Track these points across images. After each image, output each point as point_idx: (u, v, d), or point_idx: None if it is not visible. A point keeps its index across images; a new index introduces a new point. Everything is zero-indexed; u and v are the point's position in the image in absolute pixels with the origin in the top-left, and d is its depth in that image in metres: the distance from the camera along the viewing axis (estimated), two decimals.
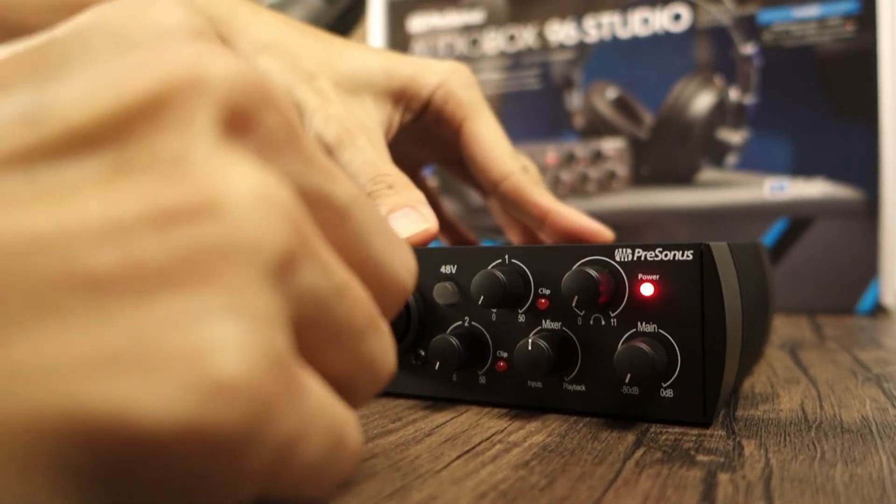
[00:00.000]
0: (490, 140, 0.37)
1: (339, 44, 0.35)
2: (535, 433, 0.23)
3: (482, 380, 0.27)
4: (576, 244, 0.26)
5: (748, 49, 0.67)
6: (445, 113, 0.36)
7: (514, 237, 0.44)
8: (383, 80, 0.35)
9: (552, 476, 0.19)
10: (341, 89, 0.33)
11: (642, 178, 0.71)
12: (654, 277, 0.24)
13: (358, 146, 0.32)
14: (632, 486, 0.18)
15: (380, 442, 0.22)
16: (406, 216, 0.31)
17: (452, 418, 0.25)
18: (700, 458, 0.20)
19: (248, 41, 0.32)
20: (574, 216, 0.37)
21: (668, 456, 0.21)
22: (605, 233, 0.38)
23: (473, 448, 0.22)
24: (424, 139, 0.40)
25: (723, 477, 0.19)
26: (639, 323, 0.24)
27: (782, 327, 0.53)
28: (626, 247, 0.24)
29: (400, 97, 0.35)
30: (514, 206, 0.37)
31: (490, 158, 0.36)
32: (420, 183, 0.44)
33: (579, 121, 0.73)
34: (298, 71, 0.32)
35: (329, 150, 0.32)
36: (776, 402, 0.27)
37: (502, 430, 0.24)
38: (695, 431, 0.23)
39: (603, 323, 0.25)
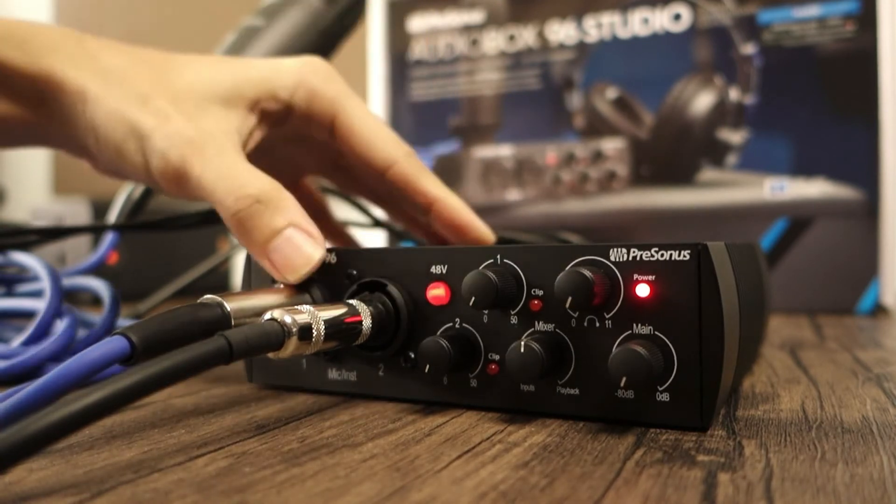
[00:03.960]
0: (367, 129, 0.34)
1: (176, 61, 0.33)
2: (535, 433, 0.23)
3: (473, 383, 0.27)
4: (569, 244, 0.25)
5: (748, 49, 0.67)
6: (314, 112, 0.34)
7: (419, 235, 0.42)
8: (231, 89, 0.32)
9: (552, 476, 0.19)
10: (183, 105, 0.31)
11: (642, 178, 0.71)
12: (650, 278, 0.23)
13: (207, 157, 0.29)
14: (632, 486, 0.18)
15: (380, 442, 0.22)
16: (290, 242, 0.28)
17: (452, 418, 0.25)
18: (700, 458, 0.20)
19: (79, 70, 0.30)
20: (460, 210, 0.36)
21: (668, 456, 0.21)
22: (487, 234, 0.37)
23: (473, 448, 0.22)
24: (300, 145, 0.38)
25: (723, 477, 0.19)
26: (634, 325, 0.24)
27: (782, 327, 0.53)
28: (622, 246, 0.24)
29: (255, 104, 0.33)
30: (402, 193, 0.35)
31: (371, 147, 0.34)
32: (304, 192, 0.41)
33: (579, 121, 0.73)
34: (130, 96, 0.30)
35: (178, 174, 0.29)
36: (777, 402, 0.27)
37: (502, 430, 0.24)
38: (695, 431, 0.23)
39: (597, 325, 0.24)
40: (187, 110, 0.31)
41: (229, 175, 0.29)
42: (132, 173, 0.31)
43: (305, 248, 0.28)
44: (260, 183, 0.29)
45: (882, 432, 0.23)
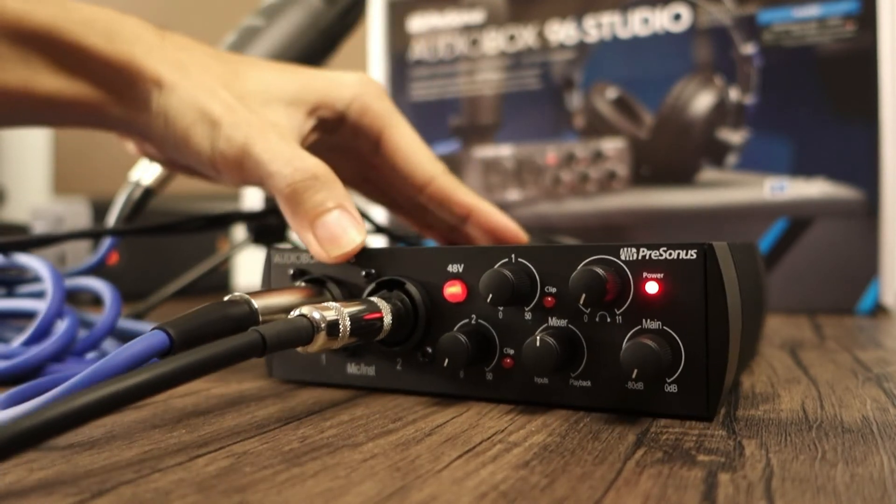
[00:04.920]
0: (411, 148, 0.38)
1: (245, 63, 0.35)
2: (536, 433, 0.23)
3: (489, 376, 0.28)
4: (581, 244, 0.26)
5: (748, 49, 0.67)
6: (363, 126, 0.37)
7: (436, 241, 0.44)
8: (294, 94, 0.35)
9: (553, 476, 0.19)
10: (249, 101, 0.34)
11: (642, 178, 0.71)
12: (659, 276, 0.24)
13: (269, 138, 0.32)
14: (632, 486, 0.18)
15: (380, 442, 0.22)
16: (339, 222, 0.30)
17: (453, 418, 0.25)
18: (701, 457, 0.20)
19: (157, 60, 0.33)
20: (496, 215, 0.40)
21: (668, 456, 0.21)
22: (521, 235, 0.40)
23: (474, 448, 0.22)
24: (340, 154, 0.40)
25: (723, 477, 0.19)
26: (644, 320, 0.25)
27: (782, 327, 0.53)
28: (632, 246, 0.25)
29: (313, 111, 0.36)
30: (441, 206, 0.39)
31: (414, 164, 0.38)
32: None
33: (579, 121, 0.73)
34: (202, 87, 0.33)
35: (241, 153, 0.32)
36: (777, 402, 0.27)
37: (503, 430, 0.24)
38: (695, 431, 0.23)
39: (608, 320, 0.25)
40: (253, 106, 0.33)
41: (289, 152, 0.32)
42: (194, 157, 0.33)
43: (350, 230, 0.30)
44: (318, 162, 0.32)
45: (882, 432, 0.23)
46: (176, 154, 0.35)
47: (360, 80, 0.37)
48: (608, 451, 0.21)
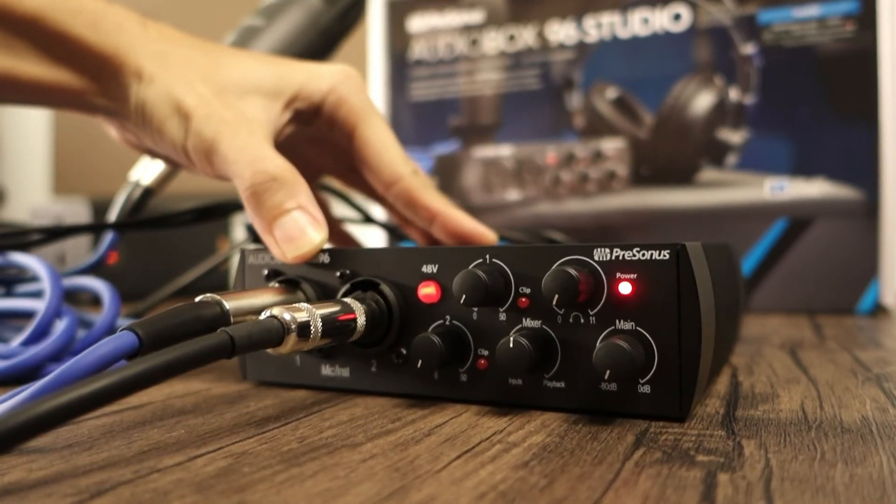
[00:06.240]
0: (382, 144, 0.37)
1: (226, 53, 0.35)
2: (535, 433, 0.23)
3: (463, 377, 0.28)
4: (555, 244, 0.26)
5: (748, 49, 0.67)
6: (338, 118, 0.37)
7: (413, 236, 0.44)
8: (272, 86, 0.35)
9: (552, 476, 0.19)
10: (226, 94, 0.33)
11: (642, 178, 0.71)
12: (632, 276, 0.24)
13: (237, 135, 0.32)
14: (631, 486, 0.18)
15: (379, 442, 0.22)
16: (297, 223, 0.30)
17: (452, 418, 0.25)
18: (700, 458, 0.20)
19: (139, 52, 0.33)
20: (461, 219, 0.39)
21: (667, 456, 0.21)
22: (489, 235, 0.40)
23: (473, 448, 0.22)
24: (319, 145, 0.40)
25: (723, 477, 0.19)
26: (617, 321, 0.25)
27: (782, 327, 0.53)
28: (605, 246, 0.25)
29: (291, 102, 0.35)
30: (407, 207, 0.39)
31: (382, 162, 0.37)
32: (314, 192, 0.44)
33: (579, 121, 0.73)
34: (180, 80, 0.33)
35: (210, 148, 0.32)
36: (776, 402, 0.27)
37: (502, 431, 0.24)
38: (695, 431, 0.23)
39: (582, 321, 0.25)
40: (229, 99, 0.33)
41: (253, 152, 0.31)
42: (169, 147, 0.34)
43: (308, 230, 0.30)
44: (279, 163, 0.31)
45: (881, 432, 0.23)
46: (153, 145, 0.35)
47: (339, 72, 0.37)
48: (607, 451, 0.21)
